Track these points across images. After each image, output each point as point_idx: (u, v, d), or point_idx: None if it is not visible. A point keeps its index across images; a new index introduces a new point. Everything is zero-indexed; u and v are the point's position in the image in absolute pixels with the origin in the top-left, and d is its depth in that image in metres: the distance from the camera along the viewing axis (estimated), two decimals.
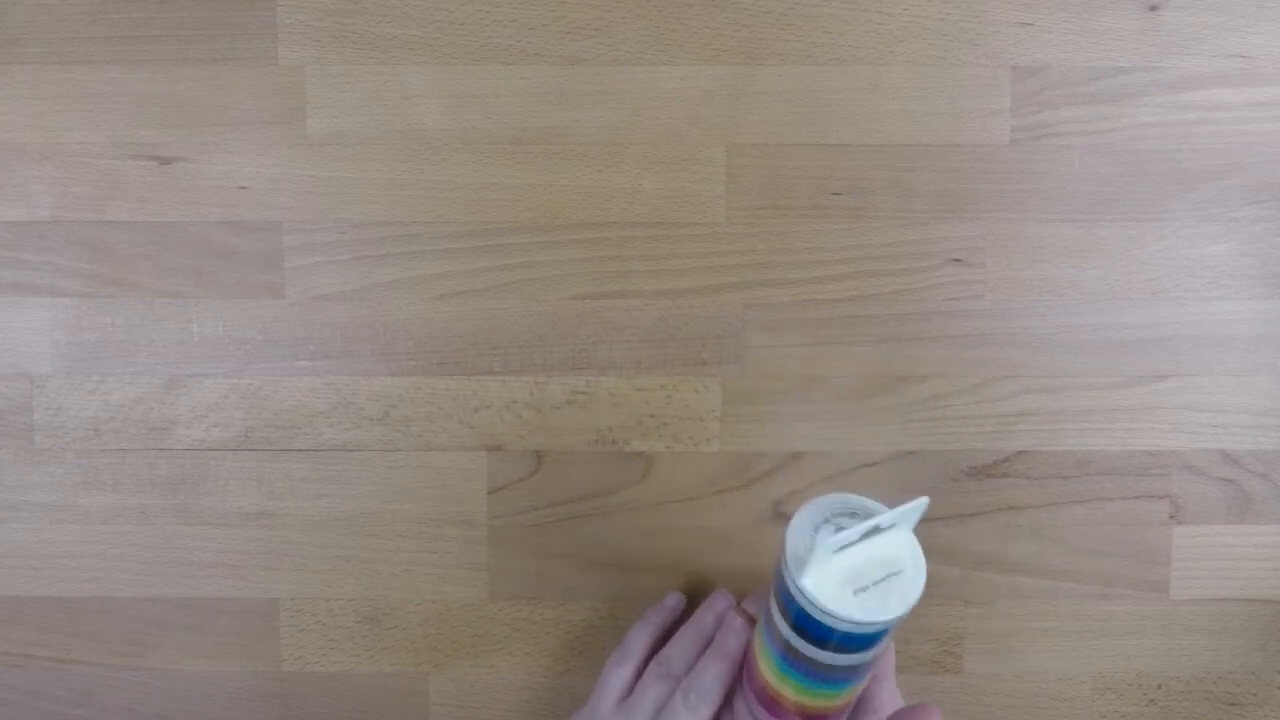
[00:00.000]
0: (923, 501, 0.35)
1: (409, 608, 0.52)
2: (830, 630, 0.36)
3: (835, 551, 0.35)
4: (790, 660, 0.39)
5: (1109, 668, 0.52)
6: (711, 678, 0.45)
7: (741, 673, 0.45)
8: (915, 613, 0.51)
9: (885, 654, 0.44)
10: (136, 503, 0.51)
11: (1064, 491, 0.51)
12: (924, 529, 0.51)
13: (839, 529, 0.36)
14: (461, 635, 0.52)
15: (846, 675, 0.39)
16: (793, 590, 0.36)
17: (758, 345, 0.51)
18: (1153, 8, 0.49)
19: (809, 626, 0.36)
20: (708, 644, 0.47)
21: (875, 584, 0.35)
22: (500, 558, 0.52)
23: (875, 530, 0.35)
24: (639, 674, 0.48)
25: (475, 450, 0.51)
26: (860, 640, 0.36)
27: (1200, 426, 0.51)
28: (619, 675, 0.48)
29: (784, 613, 0.38)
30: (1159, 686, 0.52)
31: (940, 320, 0.51)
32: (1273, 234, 0.50)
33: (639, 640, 0.49)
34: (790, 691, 0.40)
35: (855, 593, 0.35)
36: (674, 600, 0.51)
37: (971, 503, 0.51)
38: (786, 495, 0.50)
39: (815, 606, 0.35)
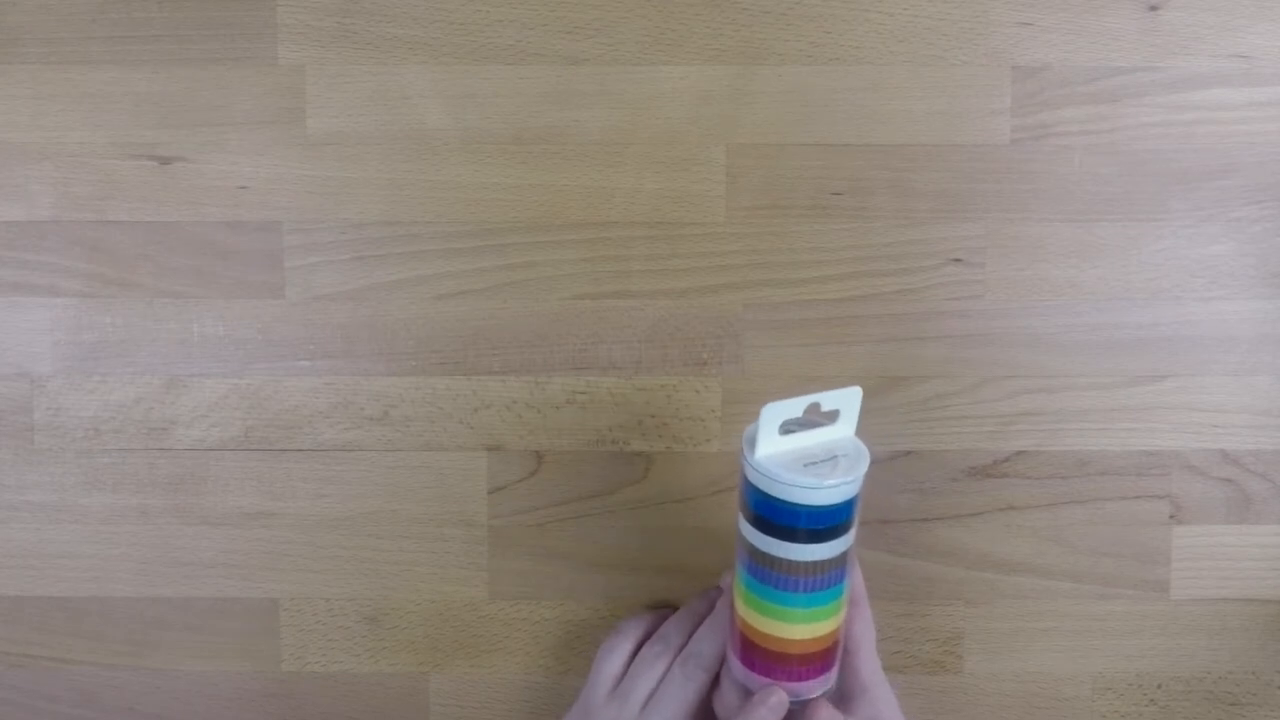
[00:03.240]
0: (856, 389, 0.41)
1: (409, 608, 0.52)
2: (788, 511, 0.39)
3: (782, 431, 0.40)
4: (756, 571, 0.41)
5: (1109, 668, 0.52)
6: (709, 645, 0.44)
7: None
8: (915, 613, 0.52)
9: (862, 620, 0.44)
10: (136, 503, 0.51)
11: (1064, 491, 0.51)
12: (924, 529, 0.51)
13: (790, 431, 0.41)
14: (461, 635, 0.52)
15: (812, 583, 0.40)
16: (747, 472, 0.40)
17: (758, 345, 0.51)
18: (1153, 8, 0.49)
19: (767, 511, 0.39)
20: (700, 624, 0.46)
21: (822, 462, 0.40)
22: (500, 558, 0.52)
23: (817, 417, 0.41)
24: (633, 659, 0.47)
25: (475, 450, 0.51)
26: (816, 517, 0.39)
27: (1200, 426, 0.51)
28: (613, 660, 0.47)
29: (744, 510, 0.41)
30: (1159, 686, 0.52)
31: (940, 320, 0.51)
32: (1273, 234, 0.50)
33: (633, 626, 0.48)
34: (761, 620, 0.41)
35: (805, 466, 0.39)
36: (666, 610, 0.50)
37: (971, 503, 0.51)
38: None
39: (767, 477, 0.39)
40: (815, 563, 0.40)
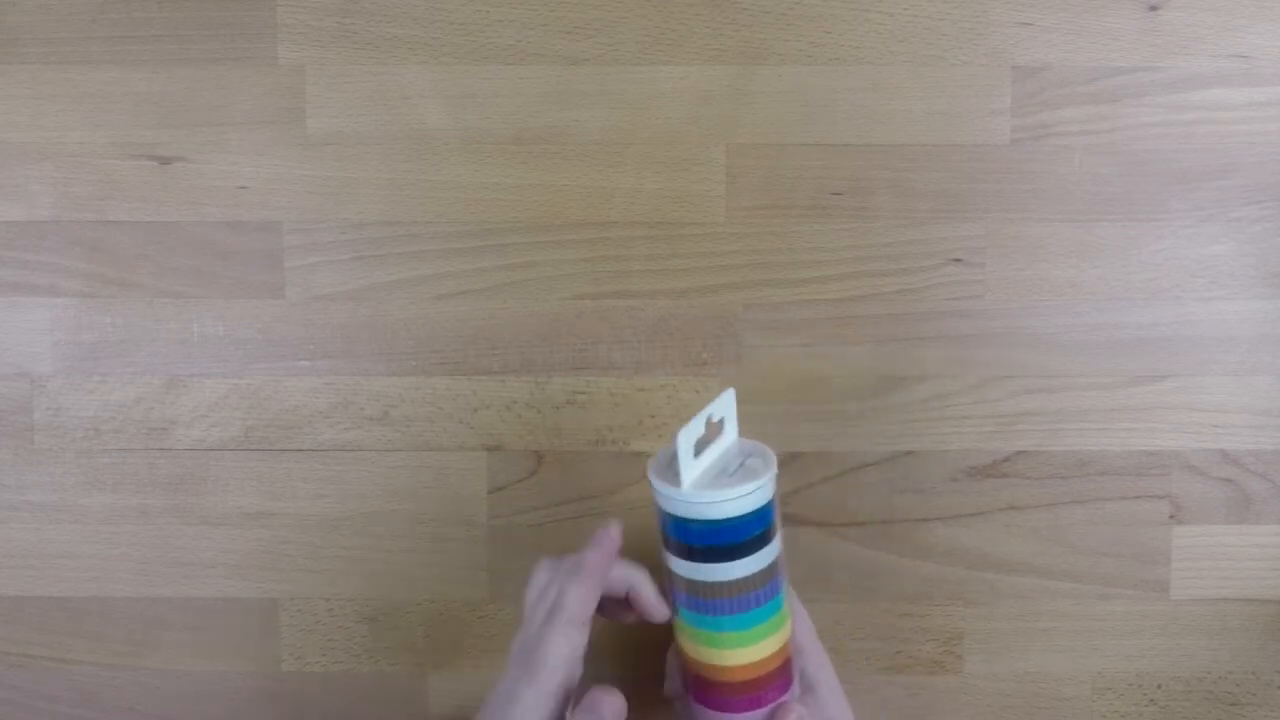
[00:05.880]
0: (730, 391, 0.41)
1: (409, 608, 0.52)
2: (717, 528, 0.38)
3: (695, 455, 0.39)
4: (696, 602, 0.40)
5: (1109, 668, 0.52)
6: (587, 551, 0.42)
7: (684, 682, 0.43)
8: (915, 613, 0.52)
9: (798, 619, 0.43)
10: (136, 503, 0.51)
11: (1064, 491, 0.51)
12: (924, 529, 0.51)
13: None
14: (461, 635, 0.52)
15: (753, 597, 0.39)
16: (664, 503, 0.39)
17: (758, 345, 0.51)
18: (1153, 8, 0.49)
19: (696, 537, 0.39)
20: None
21: (738, 469, 0.39)
22: (500, 558, 0.52)
23: (709, 431, 0.40)
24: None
25: (475, 450, 0.51)
26: (742, 527, 0.38)
27: (1200, 426, 0.51)
28: (529, 593, 0.44)
29: (676, 546, 0.40)
30: (1159, 686, 0.52)
31: (940, 320, 0.51)
32: (1273, 234, 0.50)
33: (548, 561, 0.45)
34: (709, 651, 0.40)
35: (729, 476, 0.39)
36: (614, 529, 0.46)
37: (971, 503, 0.51)
38: (787, 495, 0.50)
39: (700, 502, 0.38)
40: (745, 579, 0.39)
